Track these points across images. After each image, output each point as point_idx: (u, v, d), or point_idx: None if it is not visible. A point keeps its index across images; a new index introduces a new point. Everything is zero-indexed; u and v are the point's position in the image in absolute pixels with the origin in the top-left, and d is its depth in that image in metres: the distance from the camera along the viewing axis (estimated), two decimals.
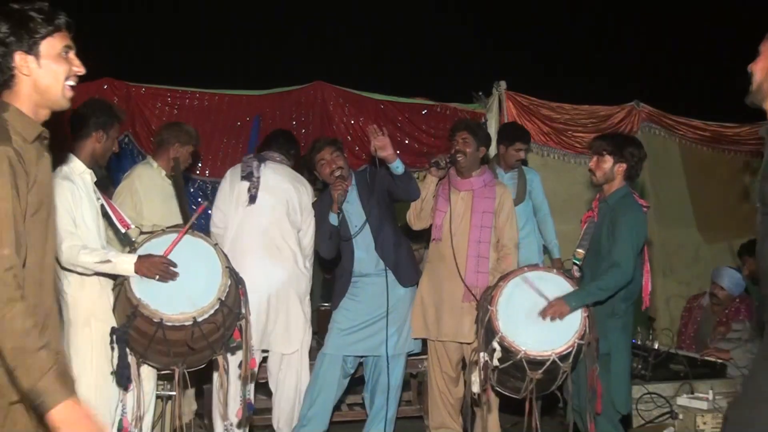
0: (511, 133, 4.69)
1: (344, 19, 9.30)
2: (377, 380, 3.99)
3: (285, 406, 3.97)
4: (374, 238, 3.95)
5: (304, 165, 4.52)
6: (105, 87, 5.01)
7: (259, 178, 3.93)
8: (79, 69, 1.91)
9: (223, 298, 3.00)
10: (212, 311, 2.96)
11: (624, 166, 3.48)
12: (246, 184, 3.93)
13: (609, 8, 9.43)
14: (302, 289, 3.99)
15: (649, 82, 8.31)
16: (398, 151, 5.60)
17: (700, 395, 4.21)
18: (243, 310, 3.16)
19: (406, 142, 5.65)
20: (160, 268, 2.97)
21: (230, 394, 3.59)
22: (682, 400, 4.22)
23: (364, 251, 3.96)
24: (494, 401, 3.81)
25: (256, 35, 9.13)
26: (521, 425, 3.44)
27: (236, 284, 3.13)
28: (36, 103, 1.86)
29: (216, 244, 3.20)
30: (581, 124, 5.88)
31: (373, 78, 6.71)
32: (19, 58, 1.82)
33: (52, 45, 1.85)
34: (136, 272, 2.95)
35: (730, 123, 6.20)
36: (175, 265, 3.00)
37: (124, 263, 2.96)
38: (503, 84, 5.67)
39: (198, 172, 5.33)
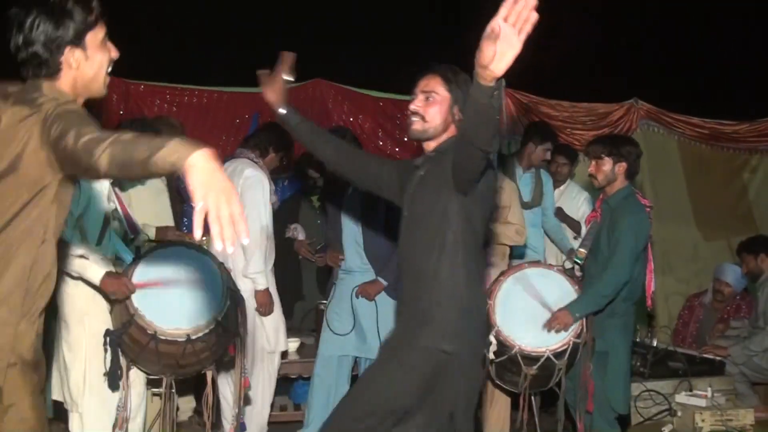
0: (543, 133, 4.52)
1: (344, 18, 9.29)
2: None
3: (248, 411, 3.76)
4: (364, 236, 3.90)
5: (306, 161, 4.50)
6: None
7: None
8: (116, 54, 1.91)
9: (220, 319, 2.98)
10: (207, 330, 2.94)
11: (624, 165, 3.48)
12: None
13: (608, 7, 9.41)
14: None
15: (648, 79, 8.30)
16: (397, 149, 5.66)
17: (699, 392, 4.22)
18: (240, 330, 3.13)
19: (406, 139, 5.64)
20: (122, 292, 2.91)
21: (223, 413, 3.63)
22: (681, 398, 4.23)
23: (354, 249, 3.92)
24: (503, 399, 3.79)
25: (256, 33, 9.12)
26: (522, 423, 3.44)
27: (235, 305, 3.11)
28: (76, 94, 1.84)
29: (222, 264, 3.19)
30: (580, 122, 5.89)
31: (372, 76, 6.70)
32: (68, 52, 1.80)
33: (96, 35, 1.84)
34: (100, 285, 2.90)
35: (729, 120, 6.21)
36: (133, 291, 2.94)
37: (95, 270, 2.90)
38: (502, 81, 5.64)
39: None
